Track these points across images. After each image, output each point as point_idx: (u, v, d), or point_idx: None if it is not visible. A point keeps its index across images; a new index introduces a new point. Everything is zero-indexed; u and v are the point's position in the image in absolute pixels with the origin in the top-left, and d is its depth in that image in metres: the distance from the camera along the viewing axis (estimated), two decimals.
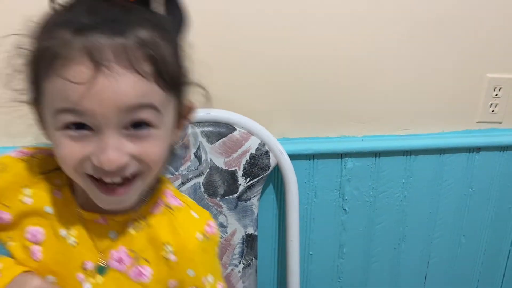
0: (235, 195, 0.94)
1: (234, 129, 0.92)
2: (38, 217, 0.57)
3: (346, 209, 1.09)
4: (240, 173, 0.94)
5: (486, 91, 1.07)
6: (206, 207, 0.91)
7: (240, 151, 0.92)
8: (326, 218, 1.09)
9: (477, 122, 1.09)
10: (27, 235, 0.57)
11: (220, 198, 0.93)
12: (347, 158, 1.04)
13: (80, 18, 0.46)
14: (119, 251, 0.57)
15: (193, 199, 0.64)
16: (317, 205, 1.07)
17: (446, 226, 1.15)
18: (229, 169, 0.92)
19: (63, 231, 0.57)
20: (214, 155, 0.93)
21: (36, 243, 0.57)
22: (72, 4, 0.49)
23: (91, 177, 0.50)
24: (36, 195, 0.57)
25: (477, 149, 1.10)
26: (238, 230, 0.95)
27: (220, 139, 0.92)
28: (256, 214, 0.97)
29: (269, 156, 0.94)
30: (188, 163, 0.92)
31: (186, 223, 0.59)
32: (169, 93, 0.50)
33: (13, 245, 0.58)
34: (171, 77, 0.50)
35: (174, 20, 0.53)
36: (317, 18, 0.93)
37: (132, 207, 0.57)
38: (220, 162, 0.93)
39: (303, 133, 1.02)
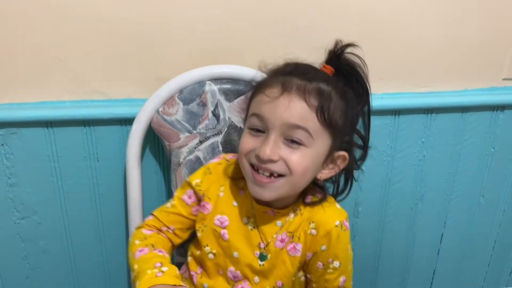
0: None
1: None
2: (225, 208, 0.77)
3: (363, 168, 1.06)
4: None
5: None
6: None
7: None
8: (342, 177, 1.07)
9: (503, 79, 1.05)
10: (216, 221, 0.77)
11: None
12: None
13: (288, 69, 0.71)
14: (282, 234, 0.75)
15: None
16: None
17: (465, 186, 1.13)
18: None
19: (245, 219, 0.77)
20: (233, 113, 0.90)
21: (223, 227, 0.77)
22: (290, 63, 0.72)
23: (251, 166, 0.70)
24: (227, 192, 0.78)
25: (502, 107, 1.06)
26: None
27: (238, 96, 0.89)
28: None
29: None
30: (206, 122, 0.90)
31: (330, 210, 0.75)
32: (324, 128, 0.67)
33: (202, 234, 0.78)
34: (330, 118, 0.67)
35: (359, 98, 0.72)
36: None
37: (293, 203, 0.76)
38: (238, 121, 0.90)
39: None
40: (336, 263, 0.74)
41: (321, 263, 0.74)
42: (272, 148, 0.67)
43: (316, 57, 0.72)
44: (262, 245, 0.76)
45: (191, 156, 0.91)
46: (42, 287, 1.07)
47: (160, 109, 0.88)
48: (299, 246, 0.74)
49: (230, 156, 0.82)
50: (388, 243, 1.16)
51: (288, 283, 0.76)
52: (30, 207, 0.99)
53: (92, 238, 1.04)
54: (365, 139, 0.76)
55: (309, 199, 0.76)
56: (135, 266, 0.71)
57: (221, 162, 0.81)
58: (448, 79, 1.03)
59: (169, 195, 1.00)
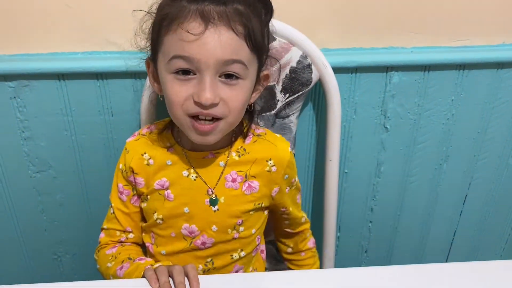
0: (273, 112, 0.88)
1: (273, 39, 0.83)
2: (160, 171, 0.75)
3: (387, 127, 1.01)
4: (278, 88, 0.86)
5: None
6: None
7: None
8: (365, 136, 1.02)
9: None
10: (156, 186, 0.75)
11: (257, 115, 0.87)
12: (393, 72, 0.95)
13: None
14: (230, 174, 0.75)
15: None
16: (356, 123, 1.00)
17: (494, 147, 1.07)
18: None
19: (184, 172, 0.74)
20: None
21: (165, 188, 0.75)
22: None
23: (190, 116, 0.65)
24: (154, 157, 0.75)
25: None
26: None
27: None
28: (294, 132, 0.91)
29: (311, 69, 0.85)
30: None
31: (277, 141, 0.77)
32: (253, 53, 0.65)
33: (147, 203, 0.77)
34: (256, 42, 0.64)
35: (264, 6, 0.67)
36: None
37: (230, 143, 0.75)
38: None
39: (345, 43, 0.93)
40: (296, 179, 0.81)
41: (288, 188, 0.80)
42: (212, 91, 0.63)
43: None
44: (210, 191, 0.74)
45: None
46: (60, 239, 1.08)
47: None
48: (255, 184, 0.75)
49: (145, 130, 0.79)
50: (409, 204, 1.13)
51: (248, 220, 0.77)
52: (45, 161, 0.98)
53: (108, 192, 1.03)
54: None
55: (249, 138, 0.76)
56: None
57: (137, 138, 0.78)
58: (485, 31, 0.95)
59: None
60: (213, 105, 0.63)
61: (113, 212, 0.80)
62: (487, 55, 0.95)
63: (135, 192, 0.78)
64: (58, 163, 0.98)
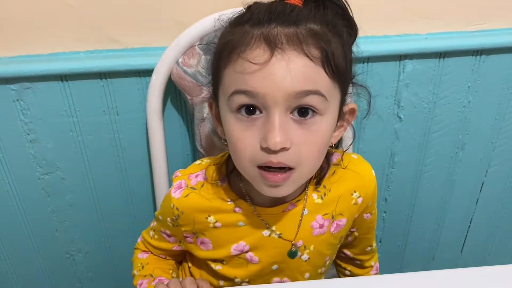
0: None
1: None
2: (233, 236, 0.65)
3: (401, 116, 0.98)
4: None
5: None
6: None
7: None
8: (378, 126, 0.99)
9: None
10: (233, 252, 0.66)
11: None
12: (406, 60, 0.91)
13: (258, 15, 0.53)
14: (316, 220, 0.66)
15: None
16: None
17: None
18: None
19: (265, 232, 0.65)
20: None
21: (246, 252, 0.66)
22: (252, 6, 0.55)
23: (259, 168, 0.54)
24: (220, 218, 0.64)
25: None
26: None
27: None
28: None
29: None
30: None
31: (359, 167, 0.67)
32: (334, 82, 0.53)
33: (224, 267, 0.68)
34: (338, 67, 0.52)
35: (347, 24, 0.57)
36: None
37: (306, 185, 0.65)
38: None
39: None
40: (374, 208, 0.72)
41: (368, 214, 0.71)
42: (282, 132, 0.50)
43: None
44: (299, 244, 0.66)
45: None
46: (72, 239, 1.08)
47: (180, 60, 0.81)
48: (343, 221, 0.68)
49: (193, 181, 0.65)
50: (423, 193, 1.10)
51: (333, 255, 0.73)
52: (53, 162, 0.96)
53: (117, 190, 1.02)
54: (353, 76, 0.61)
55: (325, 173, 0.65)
56: None
57: (186, 193, 0.65)
58: (503, 14, 0.91)
59: (194, 149, 0.95)
60: (284, 149, 0.51)
61: (153, 236, 0.73)
62: (505, 39, 0.91)
63: (182, 244, 0.71)
64: (66, 164, 0.97)
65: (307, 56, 0.50)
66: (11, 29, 0.83)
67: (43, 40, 0.85)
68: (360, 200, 0.67)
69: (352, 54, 0.59)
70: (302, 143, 0.53)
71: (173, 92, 0.90)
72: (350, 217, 0.69)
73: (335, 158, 0.68)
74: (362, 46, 0.86)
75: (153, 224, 0.74)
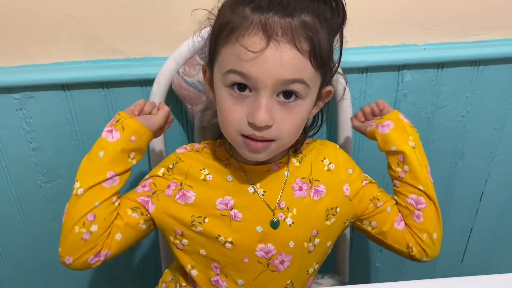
0: None
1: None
2: (220, 189, 0.68)
3: None
4: None
5: None
6: None
7: None
8: None
9: None
10: (218, 206, 0.68)
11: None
12: (405, 71, 0.92)
13: (260, 1, 0.57)
14: (296, 182, 0.70)
15: None
16: None
17: (511, 143, 1.04)
18: None
19: (250, 189, 0.69)
20: None
21: (230, 208, 0.68)
22: None
23: (242, 136, 0.61)
24: (214, 171, 0.69)
25: None
26: None
27: None
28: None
29: None
30: None
31: (324, 140, 0.76)
32: (317, 71, 0.60)
33: (206, 225, 0.67)
34: (322, 59, 0.59)
35: (336, 16, 0.61)
36: None
37: (287, 152, 0.71)
38: None
39: (355, 42, 0.90)
40: (364, 174, 0.76)
41: (365, 181, 0.74)
42: (267, 112, 0.58)
43: None
44: (282, 204, 0.68)
45: (217, 120, 0.85)
46: None
47: (180, 70, 0.82)
48: (321, 188, 0.70)
49: (197, 146, 0.74)
50: None
51: (325, 231, 0.71)
52: (54, 171, 0.97)
53: None
54: (338, 63, 0.67)
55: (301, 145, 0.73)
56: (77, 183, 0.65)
57: (191, 150, 0.73)
58: (500, 25, 0.91)
59: None
60: (267, 127, 0.59)
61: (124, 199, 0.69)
62: (503, 50, 0.92)
63: (148, 215, 0.69)
64: (67, 172, 0.97)
65: (298, 49, 0.57)
66: (14, 40, 0.85)
67: (46, 50, 0.86)
68: (332, 166, 0.72)
69: (339, 43, 0.66)
70: (283, 122, 0.60)
71: (174, 101, 0.91)
72: (329, 186, 0.71)
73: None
74: (361, 56, 0.89)
75: (130, 193, 0.71)
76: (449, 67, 0.93)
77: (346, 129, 0.89)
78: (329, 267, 1.05)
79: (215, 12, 0.64)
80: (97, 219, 0.64)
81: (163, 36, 0.86)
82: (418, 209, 0.72)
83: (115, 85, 0.88)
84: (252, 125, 0.59)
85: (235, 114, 0.60)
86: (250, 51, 0.56)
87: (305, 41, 0.57)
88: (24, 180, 0.98)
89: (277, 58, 0.56)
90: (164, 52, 0.86)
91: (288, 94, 0.60)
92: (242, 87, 0.59)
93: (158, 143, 0.88)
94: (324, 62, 0.60)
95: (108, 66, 0.87)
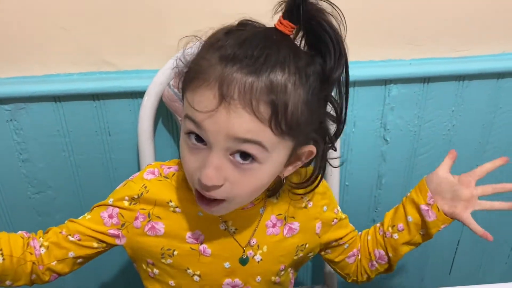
0: None
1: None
2: (191, 223, 0.66)
3: (388, 139, 1.00)
4: None
5: None
6: None
7: None
8: (365, 149, 1.02)
9: None
10: (188, 240, 0.66)
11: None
12: (391, 85, 0.94)
13: (231, 48, 0.52)
14: (271, 219, 0.68)
15: None
16: (356, 136, 0.99)
17: (496, 157, 1.03)
18: None
19: (222, 225, 0.66)
20: None
21: (200, 243, 0.66)
22: (233, 30, 0.56)
23: (195, 190, 0.58)
24: (182, 205, 0.66)
25: None
26: None
27: None
28: None
29: None
30: None
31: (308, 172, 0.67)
32: (282, 137, 0.54)
33: (175, 258, 0.66)
34: (289, 126, 0.53)
35: (334, 65, 0.54)
36: None
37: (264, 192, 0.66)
38: None
39: None
40: (336, 210, 0.73)
41: (335, 219, 0.73)
42: (216, 170, 0.53)
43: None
44: (252, 242, 0.67)
45: None
46: None
47: (171, 83, 0.83)
48: (295, 225, 0.69)
49: (166, 170, 0.68)
50: None
51: (291, 264, 0.72)
52: (44, 182, 0.97)
53: None
54: (341, 111, 0.60)
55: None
56: None
57: (159, 178, 0.67)
58: (484, 41, 0.94)
59: None
60: (215, 187, 0.54)
61: (84, 217, 0.68)
62: (487, 65, 0.94)
63: (109, 246, 0.68)
64: (57, 183, 0.98)
65: (254, 114, 0.51)
66: (6, 51, 0.85)
67: (37, 62, 0.87)
68: (310, 204, 0.70)
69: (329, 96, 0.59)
70: (235, 183, 0.55)
71: (165, 113, 0.92)
72: (304, 225, 0.69)
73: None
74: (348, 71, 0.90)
75: (88, 213, 0.69)
76: (434, 82, 0.95)
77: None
78: (319, 278, 1.06)
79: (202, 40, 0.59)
80: None
81: (154, 49, 0.87)
82: (377, 261, 0.76)
83: (106, 97, 0.89)
84: (199, 182, 0.55)
85: (190, 164, 0.57)
86: (197, 110, 0.52)
87: (266, 107, 0.51)
88: (14, 191, 0.98)
89: (228, 118, 0.51)
90: (155, 64, 0.87)
91: (245, 155, 0.54)
92: (200, 138, 0.55)
93: (148, 157, 0.88)
94: (292, 127, 0.53)
95: (99, 78, 0.88)
